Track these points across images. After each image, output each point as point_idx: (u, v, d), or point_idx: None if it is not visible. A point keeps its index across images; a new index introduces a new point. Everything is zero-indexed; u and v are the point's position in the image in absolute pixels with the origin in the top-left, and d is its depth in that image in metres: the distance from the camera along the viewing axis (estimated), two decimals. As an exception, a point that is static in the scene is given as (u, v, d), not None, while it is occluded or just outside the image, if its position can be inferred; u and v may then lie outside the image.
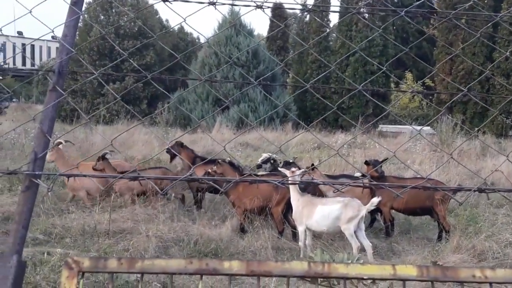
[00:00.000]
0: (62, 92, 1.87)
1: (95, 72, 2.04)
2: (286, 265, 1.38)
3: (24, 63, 51.38)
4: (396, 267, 1.37)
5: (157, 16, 29.09)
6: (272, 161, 9.06)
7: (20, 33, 51.65)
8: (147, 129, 19.01)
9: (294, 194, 6.63)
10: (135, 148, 14.03)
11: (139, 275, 1.44)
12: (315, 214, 6.34)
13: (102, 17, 27.18)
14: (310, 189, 7.39)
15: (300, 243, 6.57)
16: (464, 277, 1.39)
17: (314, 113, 26.84)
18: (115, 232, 6.78)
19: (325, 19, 30.89)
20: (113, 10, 26.42)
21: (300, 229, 6.55)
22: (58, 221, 7.25)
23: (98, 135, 14.86)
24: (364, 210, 6.23)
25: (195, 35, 39.79)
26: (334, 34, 31.38)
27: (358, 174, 7.92)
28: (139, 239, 6.36)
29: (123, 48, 24.32)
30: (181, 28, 34.77)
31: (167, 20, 35.63)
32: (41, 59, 54.85)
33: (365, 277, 1.37)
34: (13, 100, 33.74)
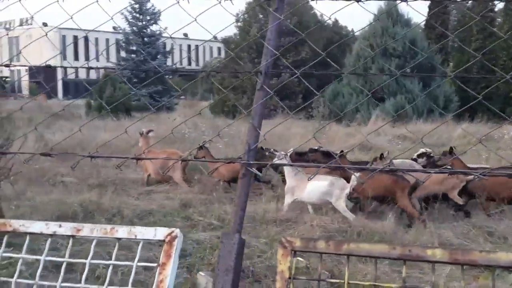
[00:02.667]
0: (269, 90, 2.10)
1: (297, 72, 2.24)
2: (492, 255, 1.42)
3: (189, 63, 55.62)
4: None
5: (312, 12, 29.44)
6: (427, 156, 8.77)
7: (185, 35, 55.84)
8: (303, 123, 19.47)
9: (289, 172, 7.55)
10: (291, 142, 14.41)
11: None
12: (306, 188, 7.25)
13: (261, 15, 28.29)
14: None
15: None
16: None
17: (478, 103, 25.01)
18: (281, 220, 7.14)
19: (490, 3, 28.54)
20: (271, 9, 27.22)
21: (288, 200, 7.50)
22: (229, 209, 7.82)
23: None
24: (348, 188, 7.06)
25: (349, 27, 39.52)
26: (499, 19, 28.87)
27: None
28: (305, 228, 6.64)
29: (280, 44, 25.04)
30: (336, 22, 34.83)
31: (322, 15, 35.84)
32: (204, 59, 58.97)
33: None
34: (181, 97, 36.93)
